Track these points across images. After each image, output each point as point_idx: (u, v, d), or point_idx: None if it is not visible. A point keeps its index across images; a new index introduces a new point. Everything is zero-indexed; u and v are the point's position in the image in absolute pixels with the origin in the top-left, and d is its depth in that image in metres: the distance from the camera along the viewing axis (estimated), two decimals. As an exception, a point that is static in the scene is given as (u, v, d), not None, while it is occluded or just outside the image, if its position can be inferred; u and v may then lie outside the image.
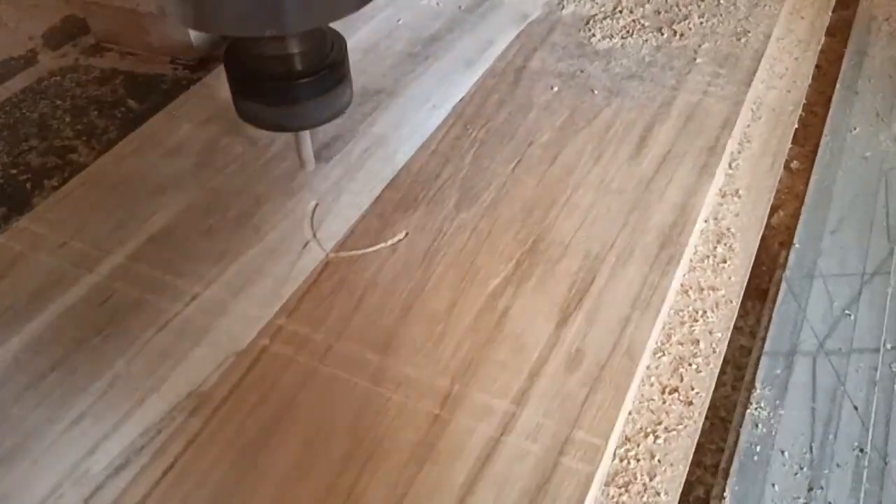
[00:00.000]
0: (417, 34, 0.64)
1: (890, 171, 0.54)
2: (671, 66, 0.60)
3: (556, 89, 0.58)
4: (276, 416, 0.38)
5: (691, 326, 0.44)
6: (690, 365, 0.42)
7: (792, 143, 0.58)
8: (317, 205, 0.49)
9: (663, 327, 0.44)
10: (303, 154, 0.50)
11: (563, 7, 0.67)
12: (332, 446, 0.37)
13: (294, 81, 0.44)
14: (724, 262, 0.48)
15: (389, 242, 0.46)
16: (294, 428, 0.38)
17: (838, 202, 0.53)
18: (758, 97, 0.61)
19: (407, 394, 0.39)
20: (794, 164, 0.57)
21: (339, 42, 0.46)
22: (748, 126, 0.58)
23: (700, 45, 0.62)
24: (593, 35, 0.64)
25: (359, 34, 0.64)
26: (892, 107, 0.60)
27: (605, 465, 0.37)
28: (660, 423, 0.40)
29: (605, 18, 0.66)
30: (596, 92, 0.58)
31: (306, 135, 0.49)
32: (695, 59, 0.61)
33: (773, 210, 0.54)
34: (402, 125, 0.55)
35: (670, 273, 0.44)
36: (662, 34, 0.64)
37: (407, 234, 0.47)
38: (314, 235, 0.47)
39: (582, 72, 0.60)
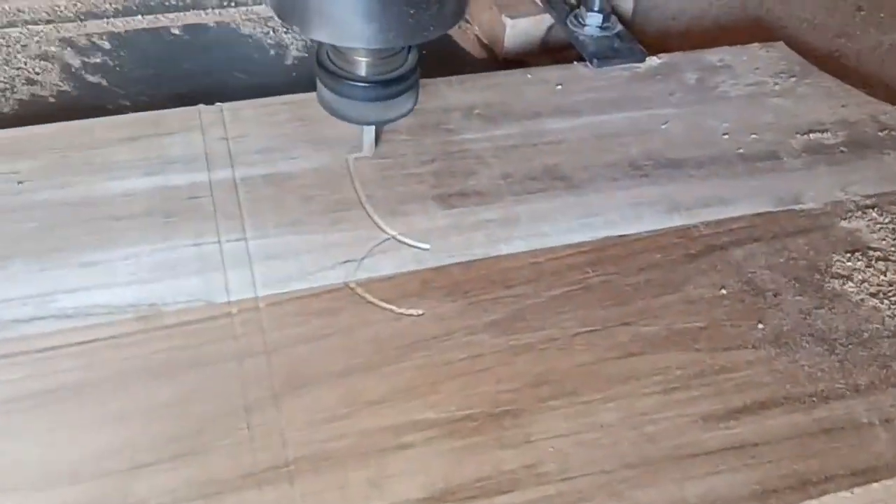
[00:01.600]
0: (670, 148, 0.57)
1: None
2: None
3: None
4: None
5: None
6: None
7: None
8: (392, 237, 0.49)
9: None
10: (364, 144, 0.53)
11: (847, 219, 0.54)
12: None
13: (365, 84, 0.49)
14: None
15: (401, 310, 0.45)
16: None
17: None
18: None
19: None
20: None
21: (413, 58, 0.50)
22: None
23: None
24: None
25: (606, 117, 0.59)
26: None
27: None
28: None
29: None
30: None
31: (370, 129, 0.53)
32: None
33: None
34: (544, 221, 0.51)
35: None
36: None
37: (423, 314, 0.45)
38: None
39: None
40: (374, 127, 0.53)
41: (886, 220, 0.54)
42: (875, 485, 0.40)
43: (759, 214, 0.53)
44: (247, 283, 0.45)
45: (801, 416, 0.42)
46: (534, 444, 0.40)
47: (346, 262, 0.47)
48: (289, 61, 0.69)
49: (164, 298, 0.44)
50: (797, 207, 0.54)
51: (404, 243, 0.49)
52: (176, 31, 0.71)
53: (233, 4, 0.73)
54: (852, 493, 0.40)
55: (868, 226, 0.54)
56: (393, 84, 0.49)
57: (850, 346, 0.46)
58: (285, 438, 0.38)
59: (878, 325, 0.47)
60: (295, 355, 0.42)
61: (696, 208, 0.53)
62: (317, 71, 0.50)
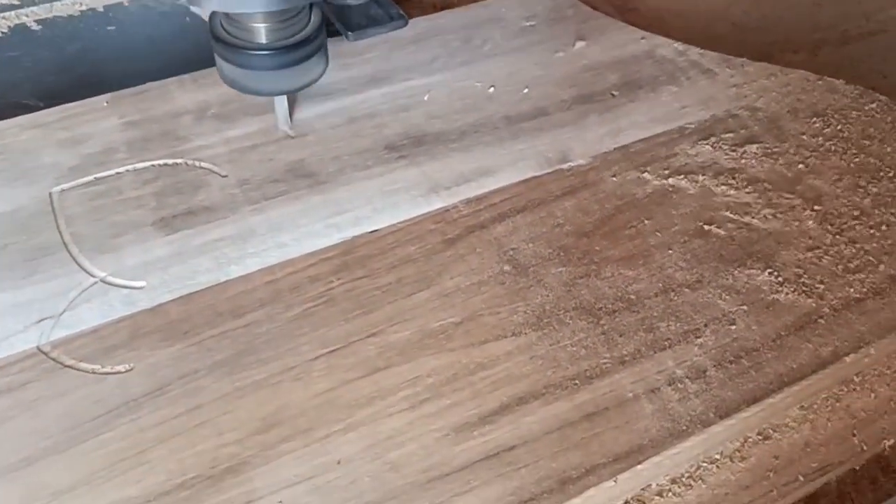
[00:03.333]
0: (431, 122, 0.52)
1: None
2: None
3: (497, 279, 0.44)
4: None
5: None
6: None
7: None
8: (100, 280, 0.42)
9: None
10: (278, 117, 0.50)
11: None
12: None
13: (268, 52, 0.45)
14: None
15: (105, 369, 0.39)
16: None
17: None
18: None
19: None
20: None
21: (316, 17, 0.47)
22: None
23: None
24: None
25: (361, 96, 0.54)
26: None
27: None
28: None
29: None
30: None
31: (282, 100, 0.50)
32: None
33: None
34: (284, 229, 0.45)
35: None
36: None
37: (132, 368, 0.39)
38: (58, 316, 0.41)
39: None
40: (285, 98, 0.50)
41: (653, 169, 0.51)
42: (640, 466, 0.37)
43: (524, 181, 0.49)
44: None
45: (563, 403, 0.39)
46: (258, 503, 0.35)
47: (41, 320, 0.40)
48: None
49: None
50: (565, 166, 0.51)
51: (114, 285, 0.42)
52: None
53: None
54: (615, 481, 0.37)
55: (637, 178, 0.50)
56: (300, 48, 0.46)
57: (616, 314, 0.43)
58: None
59: (645, 285, 0.44)
60: (-38, 453, 0.35)
61: (457, 186, 0.49)
62: (213, 45, 0.46)
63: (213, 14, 0.46)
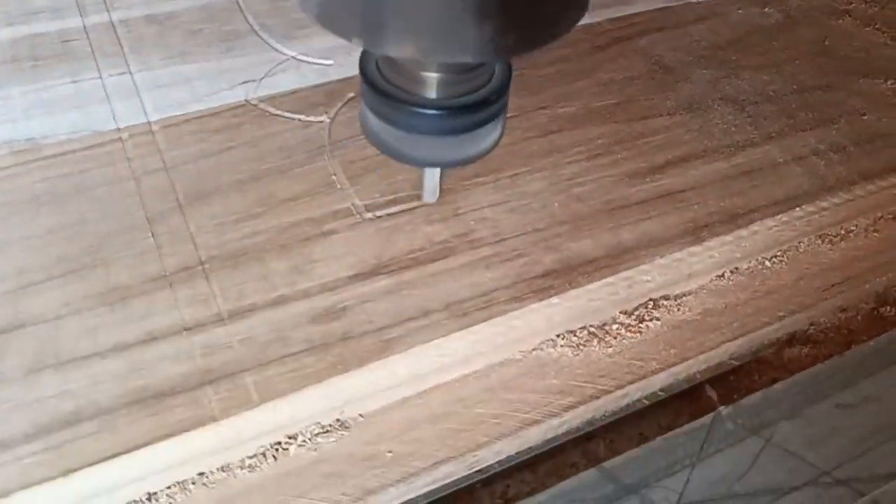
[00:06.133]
0: None
1: None
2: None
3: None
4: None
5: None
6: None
7: None
8: (293, 57, 0.46)
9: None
10: (426, 188, 0.38)
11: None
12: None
13: (426, 110, 0.32)
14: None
15: (308, 118, 0.43)
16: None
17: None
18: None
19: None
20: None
21: (502, 73, 0.34)
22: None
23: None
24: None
25: None
26: None
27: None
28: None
29: (778, 34, 0.52)
30: (673, 96, 0.46)
31: (434, 171, 0.38)
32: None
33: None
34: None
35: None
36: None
37: (332, 119, 0.43)
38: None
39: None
40: (438, 170, 0.38)
41: (772, 5, 0.55)
42: (797, 210, 0.41)
43: (658, 10, 0.54)
44: (136, 111, 0.42)
45: (722, 163, 0.43)
46: (464, 216, 0.38)
47: (244, 82, 0.44)
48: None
49: (42, 133, 0.40)
50: (694, 0, 0.55)
51: (305, 62, 0.46)
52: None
53: None
54: (776, 221, 0.40)
55: (760, 12, 0.55)
56: (478, 110, 0.33)
57: (758, 104, 0.47)
58: (196, 242, 0.36)
59: (780, 86, 0.48)
60: (197, 169, 0.39)
61: (598, 8, 0.53)
62: (363, 89, 0.34)
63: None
